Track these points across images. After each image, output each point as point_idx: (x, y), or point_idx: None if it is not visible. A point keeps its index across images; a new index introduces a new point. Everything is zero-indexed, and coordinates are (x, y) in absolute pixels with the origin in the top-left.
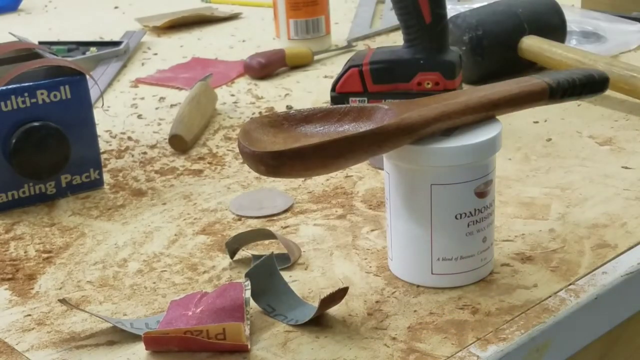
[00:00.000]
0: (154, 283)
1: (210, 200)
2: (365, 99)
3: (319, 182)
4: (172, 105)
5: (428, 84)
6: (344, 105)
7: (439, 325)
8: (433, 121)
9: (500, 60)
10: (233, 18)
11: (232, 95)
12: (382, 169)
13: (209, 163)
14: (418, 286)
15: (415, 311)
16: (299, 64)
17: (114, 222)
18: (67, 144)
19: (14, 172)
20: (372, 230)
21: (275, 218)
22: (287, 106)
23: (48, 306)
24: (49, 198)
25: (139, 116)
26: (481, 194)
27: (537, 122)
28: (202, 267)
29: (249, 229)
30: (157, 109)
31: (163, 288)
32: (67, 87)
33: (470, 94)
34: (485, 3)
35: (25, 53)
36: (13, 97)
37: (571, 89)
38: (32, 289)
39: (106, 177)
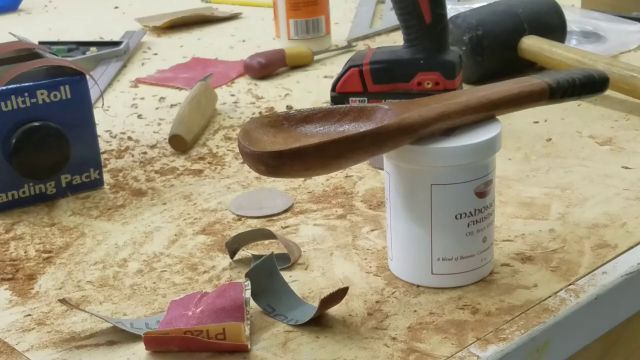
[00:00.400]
0: (154, 283)
1: (210, 200)
2: (365, 99)
3: (319, 182)
4: (172, 105)
5: (428, 84)
6: (344, 105)
7: (439, 325)
8: (433, 121)
9: (500, 60)
10: (233, 18)
11: (232, 95)
12: (382, 169)
13: (209, 163)
14: (418, 286)
15: (415, 311)
16: (299, 64)
17: (114, 222)
18: (67, 144)
19: (14, 172)
20: (372, 230)
21: (275, 218)
22: (287, 106)
23: (48, 306)
24: (49, 198)
25: (139, 116)
26: (481, 194)
27: (537, 122)
28: (202, 267)
29: (249, 229)
30: (157, 109)
31: (163, 288)
32: (67, 87)
33: (470, 94)
34: (485, 3)
35: (25, 53)
36: (13, 97)
37: (571, 89)
38: (32, 289)
39: (106, 177)
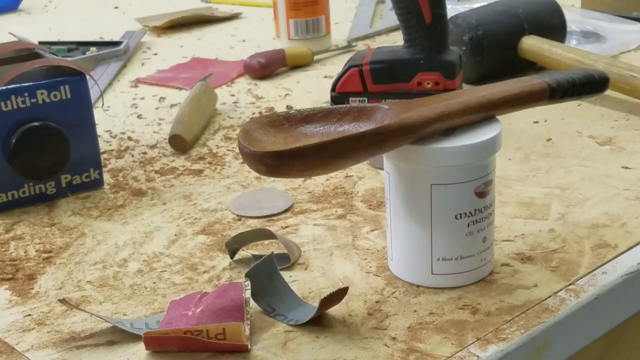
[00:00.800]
0: (154, 283)
1: (210, 200)
2: (365, 99)
3: (319, 182)
4: (172, 105)
5: (428, 84)
6: (344, 105)
7: (439, 325)
8: (433, 121)
9: (500, 60)
10: (233, 18)
11: (232, 95)
12: (382, 169)
13: (209, 163)
14: (418, 286)
15: (415, 311)
16: (299, 64)
17: (114, 222)
18: (67, 144)
19: (14, 172)
20: (372, 230)
21: (275, 218)
22: (287, 106)
23: (48, 306)
24: (49, 198)
25: (139, 116)
26: (481, 194)
27: (537, 122)
28: (202, 267)
29: (249, 229)
30: (157, 109)
31: (163, 288)
32: (67, 87)
33: (470, 94)
34: (485, 3)
35: (25, 53)
36: (13, 97)
37: (571, 89)
38: (32, 289)
39: (106, 177)
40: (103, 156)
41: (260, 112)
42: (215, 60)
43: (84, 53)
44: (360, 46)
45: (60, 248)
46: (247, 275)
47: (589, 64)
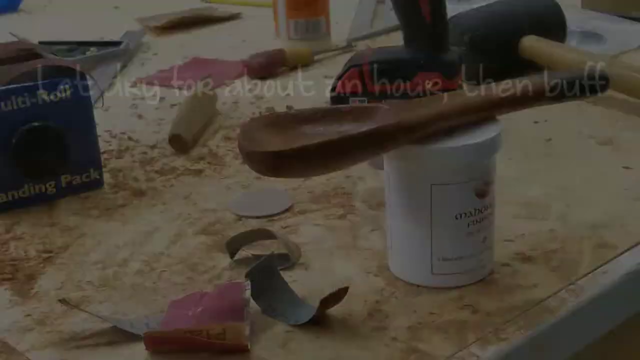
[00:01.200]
0: (154, 283)
1: (210, 200)
2: (365, 99)
3: (319, 182)
4: (172, 105)
5: (428, 84)
6: (344, 105)
7: (439, 325)
8: (433, 121)
9: (500, 60)
10: (233, 18)
11: (232, 95)
12: (382, 169)
13: (209, 163)
14: (418, 286)
15: (415, 311)
16: (299, 64)
17: (114, 222)
18: (67, 144)
19: (14, 172)
20: (372, 230)
21: (275, 218)
22: (287, 106)
23: (48, 306)
24: (49, 198)
25: (139, 116)
26: (481, 194)
27: (537, 122)
28: (202, 267)
29: (249, 229)
30: (157, 109)
31: (163, 288)
32: (67, 87)
33: (470, 94)
34: (485, 3)
35: (25, 53)
36: (13, 97)
37: (571, 89)
38: (32, 289)
39: (106, 177)
40: (103, 156)
41: (260, 112)
42: (215, 60)
43: (84, 53)
44: (360, 46)
45: (60, 248)
46: (247, 275)
47: (589, 64)
